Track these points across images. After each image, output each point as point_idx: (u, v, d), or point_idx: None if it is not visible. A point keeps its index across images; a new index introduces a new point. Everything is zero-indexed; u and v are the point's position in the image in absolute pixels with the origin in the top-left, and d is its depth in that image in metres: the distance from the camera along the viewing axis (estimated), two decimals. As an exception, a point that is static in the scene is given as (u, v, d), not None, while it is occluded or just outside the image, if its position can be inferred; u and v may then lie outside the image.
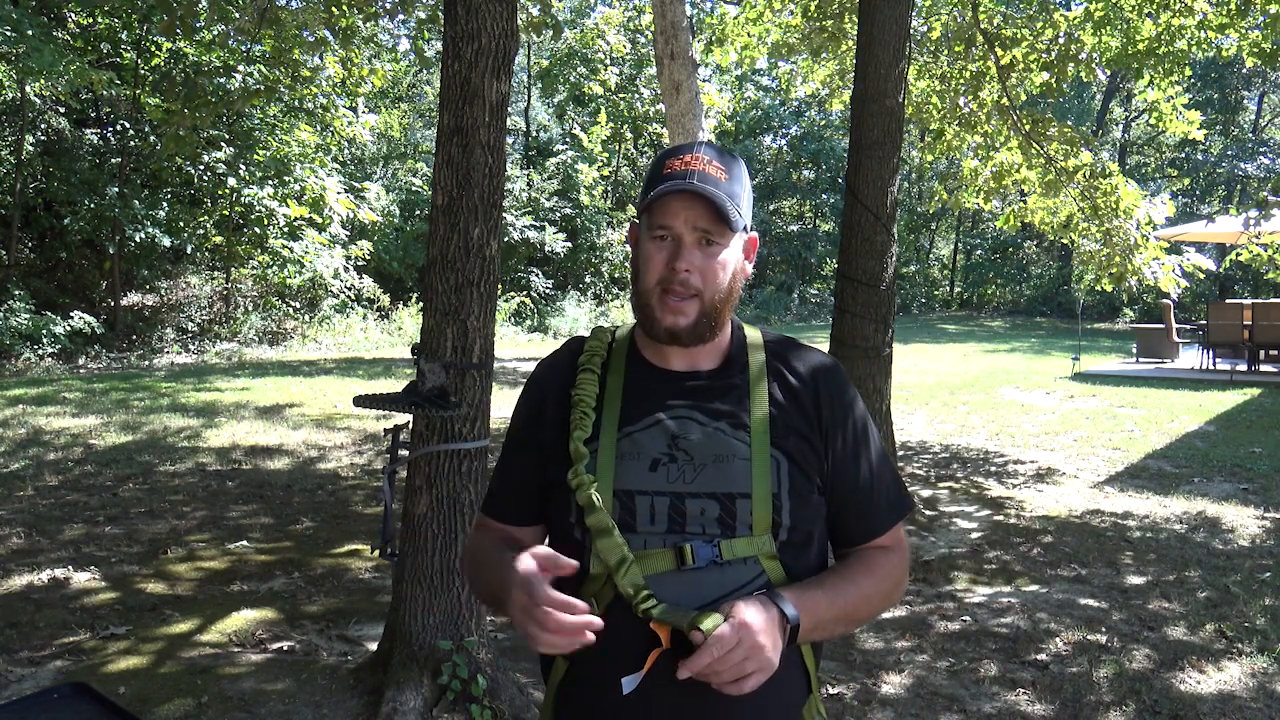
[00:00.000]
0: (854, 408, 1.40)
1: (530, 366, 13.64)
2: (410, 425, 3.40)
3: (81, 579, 4.52)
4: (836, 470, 1.35)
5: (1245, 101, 29.94)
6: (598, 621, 1.15)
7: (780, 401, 1.34)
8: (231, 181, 14.15)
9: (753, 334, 1.42)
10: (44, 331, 12.15)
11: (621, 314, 20.73)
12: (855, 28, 6.46)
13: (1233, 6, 7.75)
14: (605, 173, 22.79)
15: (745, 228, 1.34)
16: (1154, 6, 7.97)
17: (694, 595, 1.23)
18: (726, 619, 1.15)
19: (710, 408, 1.32)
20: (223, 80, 9.98)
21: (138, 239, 13.30)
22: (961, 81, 8.35)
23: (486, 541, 1.41)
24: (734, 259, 1.33)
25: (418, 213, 19.29)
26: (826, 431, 1.35)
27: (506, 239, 18.70)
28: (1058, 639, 3.96)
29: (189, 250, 14.59)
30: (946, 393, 11.32)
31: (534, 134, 24.73)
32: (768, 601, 1.20)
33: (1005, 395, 11.15)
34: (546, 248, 19.84)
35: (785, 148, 29.86)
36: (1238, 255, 11.49)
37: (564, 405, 1.35)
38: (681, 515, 1.26)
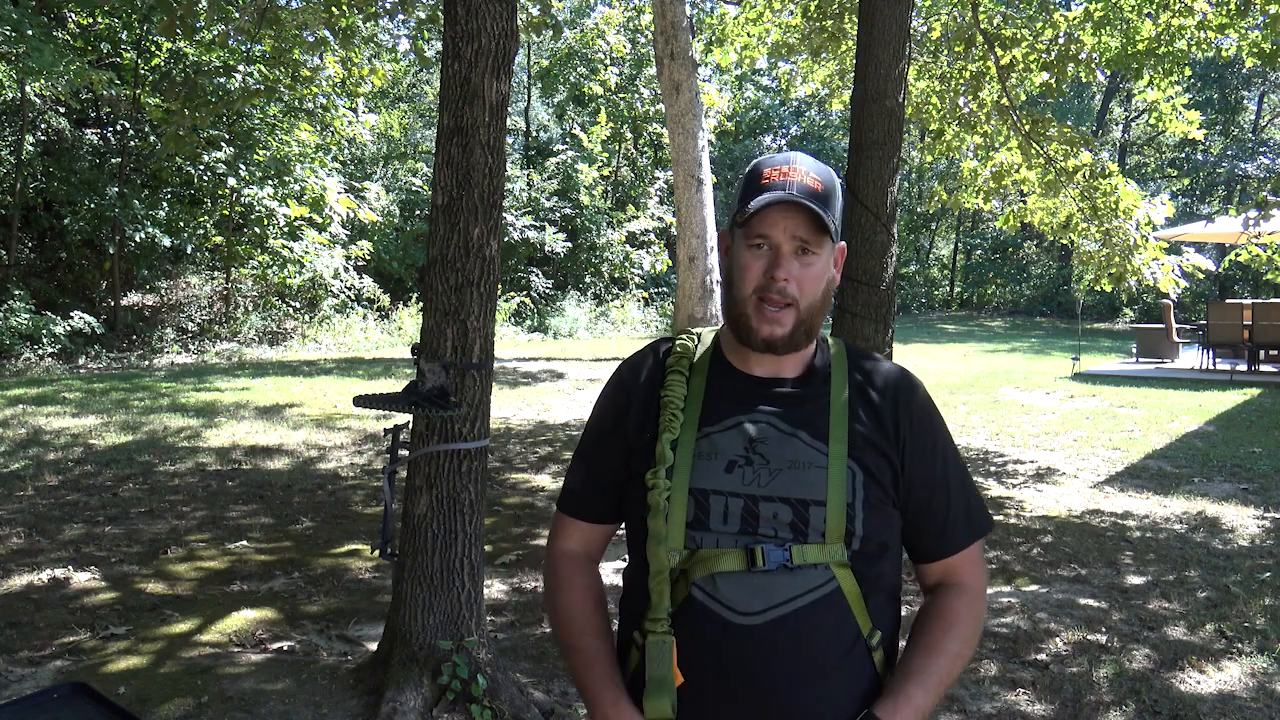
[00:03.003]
0: (934, 424, 1.43)
1: (530, 366, 13.65)
2: (410, 425, 3.40)
3: (81, 579, 4.52)
4: (913, 485, 1.37)
5: (1245, 101, 29.94)
6: None
7: (859, 414, 1.36)
8: (231, 181, 14.14)
9: (836, 345, 1.45)
10: (44, 331, 12.14)
11: (621, 314, 20.72)
12: (855, 28, 6.47)
13: (1233, 6, 7.75)
14: (605, 173, 22.78)
15: (837, 236, 1.35)
16: (1154, 6, 7.97)
17: (762, 597, 1.25)
18: None
19: (790, 415, 1.34)
20: (223, 80, 9.98)
21: (138, 239, 13.31)
22: (961, 81, 8.34)
23: (578, 602, 1.42)
24: (827, 268, 1.36)
25: (418, 213, 19.29)
26: (905, 446, 1.37)
27: (506, 239, 18.70)
28: (1058, 639, 3.96)
29: (189, 250, 14.59)
30: (946, 393, 11.32)
31: (534, 134, 24.72)
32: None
33: (1005, 395, 11.14)
34: (546, 248, 19.84)
35: (785, 148, 29.87)
36: (1237, 255, 11.49)
37: (649, 404, 1.38)
38: (754, 517, 1.28)
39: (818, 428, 1.33)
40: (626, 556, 1.43)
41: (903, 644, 1.41)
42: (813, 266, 1.32)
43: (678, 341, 1.44)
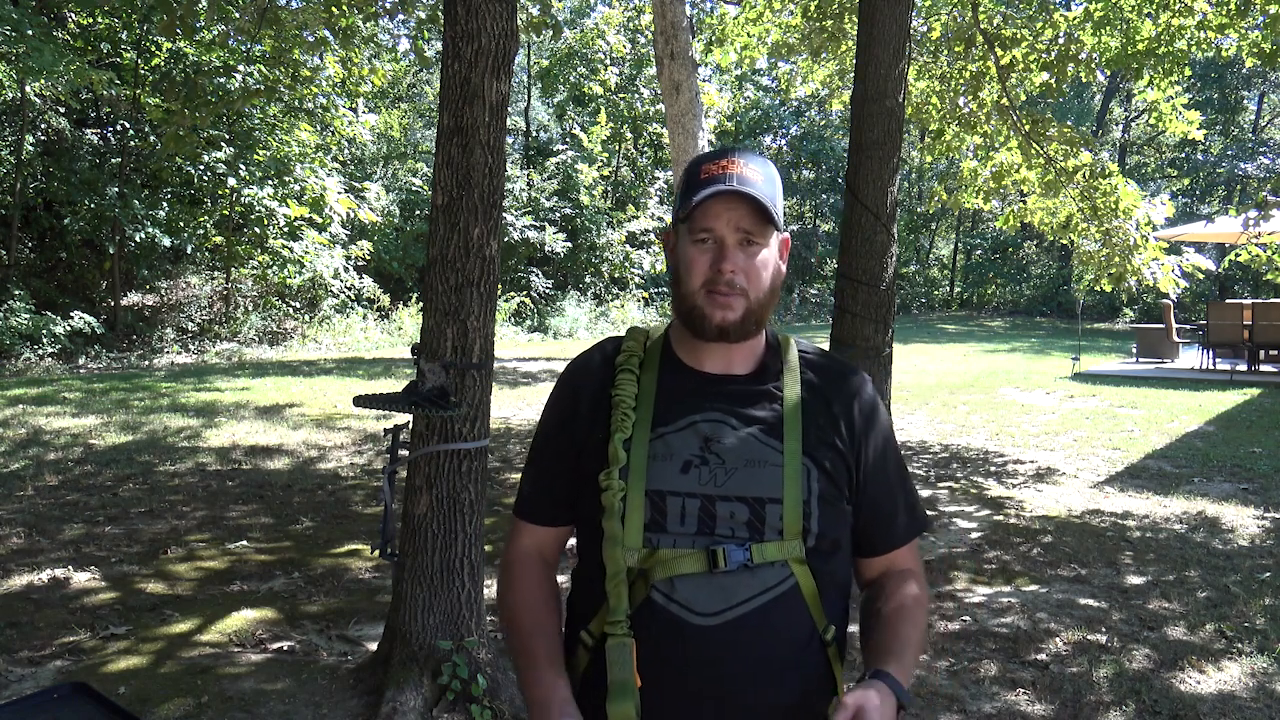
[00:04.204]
0: (882, 421, 1.43)
1: (530, 366, 13.65)
2: (410, 425, 3.40)
3: (81, 579, 4.52)
4: (864, 481, 1.38)
5: (1245, 101, 29.93)
6: None
7: (812, 410, 1.36)
8: (231, 181, 14.15)
9: (787, 341, 1.45)
10: (44, 331, 12.14)
11: (621, 314, 20.73)
12: (855, 28, 6.47)
13: (1233, 6, 7.74)
14: (605, 173, 22.78)
15: (781, 227, 1.36)
16: (1154, 6, 7.97)
17: (722, 597, 1.25)
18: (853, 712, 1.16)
19: (743, 413, 1.34)
20: (223, 80, 9.98)
21: (138, 239, 13.31)
22: (961, 81, 8.34)
23: (530, 597, 1.40)
24: (773, 259, 1.36)
25: (418, 213, 19.29)
26: (857, 442, 1.37)
27: (506, 239, 18.70)
28: (1058, 639, 3.96)
29: (189, 250, 14.59)
30: (946, 393, 11.32)
31: (534, 134, 24.72)
32: (886, 691, 1.21)
33: (1005, 395, 11.14)
34: (546, 248, 19.83)
35: (785, 148, 29.87)
36: (1237, 255, 11.49)
37: (600, 404, 1.36)
38: (712, 518, 1.28)
39: (771, 425, 1.33)
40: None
41: (853, 630, 1.41)
42: (758, 256, 1.33)
43: (626, 339, 1.43)
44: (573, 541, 1.45)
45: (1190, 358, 14.03)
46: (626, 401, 1.34)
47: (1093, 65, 7.95)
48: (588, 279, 21.51)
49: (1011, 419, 9.42)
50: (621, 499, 1.28)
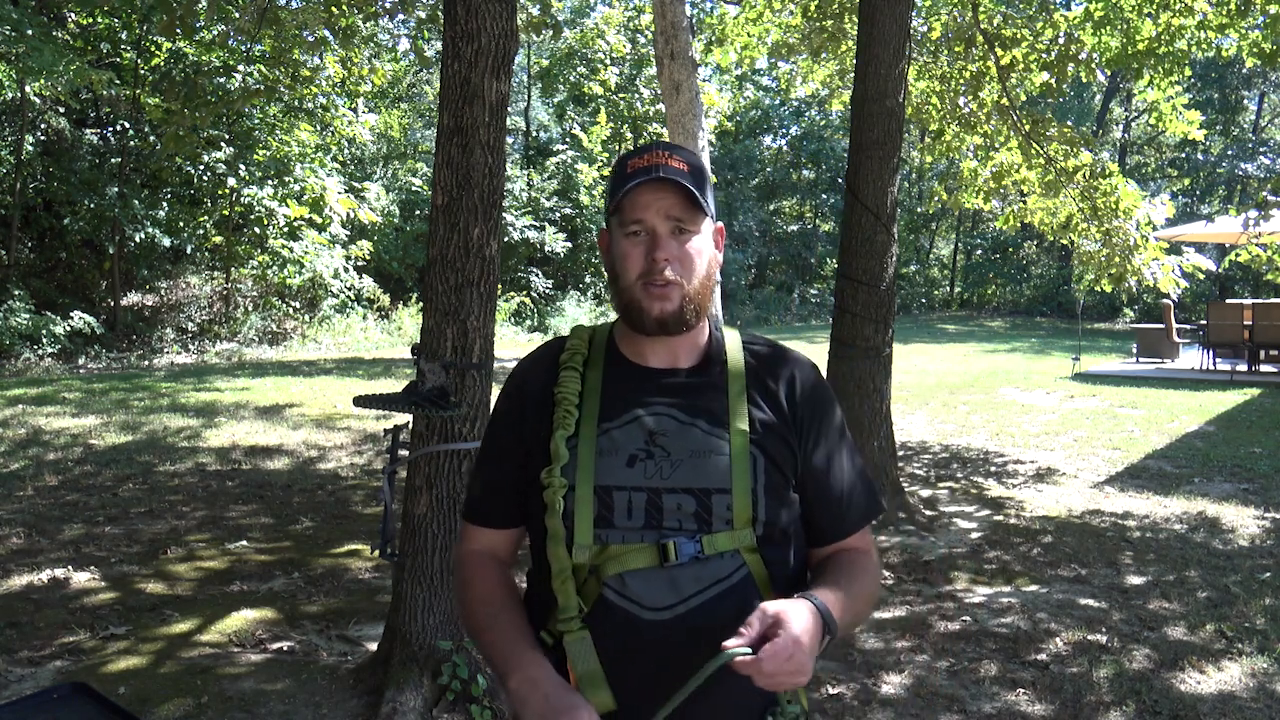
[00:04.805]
0: (830, 408, 1.43)
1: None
2: (410, 425, 3.40)
3: (81, 579, 4.52)
4: (811, 469, 1.38)
5: (1245, 101, 29.91)
6: None
7: (758, 400, 1.36)
8: (231, 181, 14.15)
9: (731, 334, 1.44)
10: (44, 331, 12.14)
11: (621, 314, 20.70)
12: (855, 28, 6.47)
13: (1233, 6, 7.75)
14: (605, 173, 22.78)
15: (713, 215, 1.36)
16: (1154, 6, 7.97)
17: (673, 591, 1.25)
18: (778, 629, 1.15)
19: (689, 405, 1.34)
20: (223, 80, 9.99)
21: (138, 239, 13.31)
22: (961, 81, 8.35)
23: (488, 591, 1.38)
24: (707, 246, 1.36)
25: (418, 213, 19.29)
26: (803, 430, 1.37)
27: (506, 239, 18.70)
28: (1058, 639, 3.96)
29: (189, 250, 14.59)
30: (946, 393, 11.32)
31: (534, 134, 24.72)
32: (811, 608, 1.21)
33: (1005, 395, 11.14)
34: (546, 248, 19.84)
35: (785, 148, 29.85)
36: (1237, 255, 11.49)
37: (545, 404, 1.36)
38: (658, 510, 1.28)
39: (716, 415, 1.33)
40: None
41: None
42: (691, 244, 1.32)
43: (571, 338, 1.43)
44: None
45: (1190, 358, 14.02)
46: (569, 399, 1.34)
47: (1093, 65, 7.95)
48: (588, 279, 21.51)
49: (1011, 419, 9.42)
50: (565, 496, 1.28)
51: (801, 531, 1.39)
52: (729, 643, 1.15)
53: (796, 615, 1.17)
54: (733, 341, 1.43)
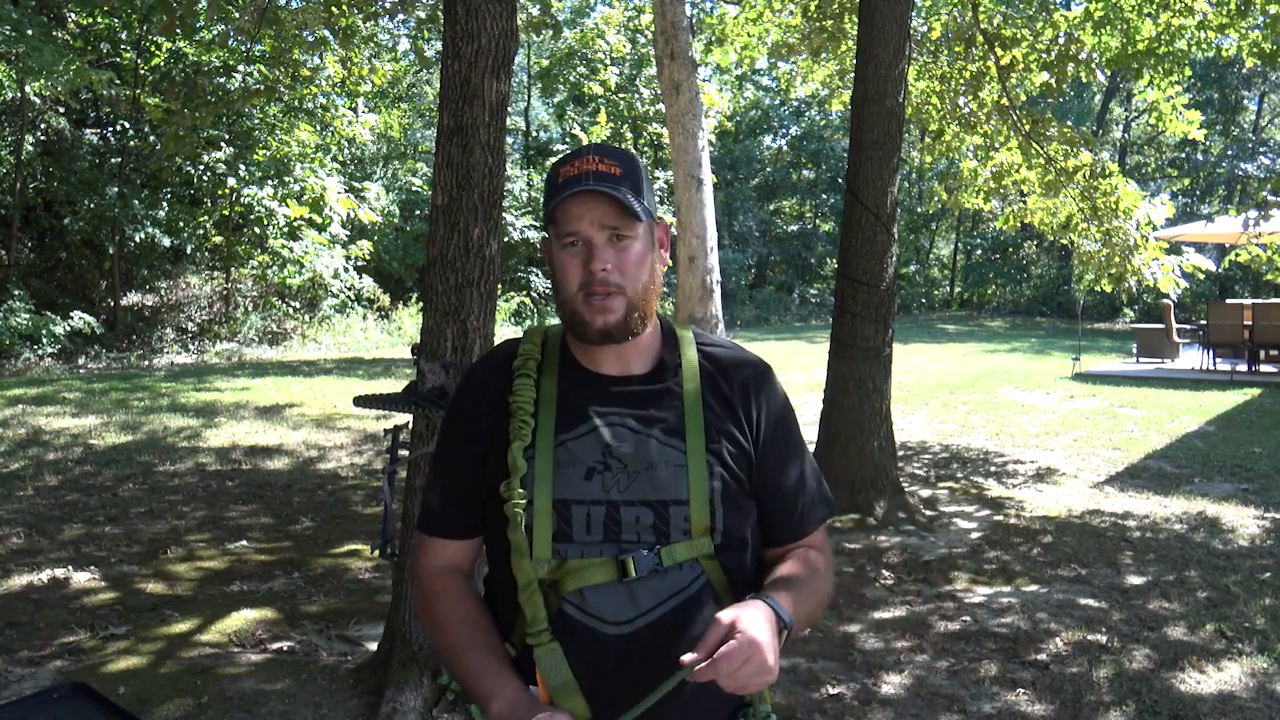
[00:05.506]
0: (785, 412, 1.42)
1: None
2: (410, 425, 3.40)
3: (81, 579, 4.52)
4: (766, 472, 1.37)
5: (1245, 101, 29.90)
6: None
7: (712, 405, 1.35)
8: (231, 181, 14.15)
9: (684, 335, 1.42)
10: (44, 331, 12.14)
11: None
12: (855, 28, 6.47)
13: (1233, 6, 7.75)
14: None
15: (652, 216, 1.34)
16: (1154, 6, 7.97)
17: (632, 605, 1.25)
18: (734, 635, 1.14)
19: (643, 414, 1.33)
20: (223, 80, 10.00)
21: (138, 239, 13.31)
22: (961, 81, 8.35)
23: (459, 609, 1.36)
24: (649, 250, 1.34)
25: (418, 213, 19.29)
26: (757, 434, 1.36)
27: (506, 239, 18.70)
28: (1058, 639, 3.96)
29: (189, 250, 14.60)
30: (946, 393, 11.32)
31: (534, 134, 24.73)
32: (764, 607, 1.20)
33: (1005, 395, 11.14)
34: (546, 248, 19.84)
35: (785, 148, 29.85)
36: (1237, 255, 11.50)
37: (500, 411, 1.34)
38: (617, 524, 1.27)
39: (672, 425, 1.32)
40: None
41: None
42: (630, 250, 1.30)
43: (524, 341, 1.40)
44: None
45: (1190, 358, 14.02)
46: (525, 408, 1.32)
47: (1093, 65, 7.95)
48: (588, 279, 21.50)
49: (1011, 419, 9.42)
50: (524, 508, 1.26)
51: (756, 538, 1.38)
52: (686, 657, 1.15)
53: (751, 618, 1.17)
54: (686, 343, 1.40)
